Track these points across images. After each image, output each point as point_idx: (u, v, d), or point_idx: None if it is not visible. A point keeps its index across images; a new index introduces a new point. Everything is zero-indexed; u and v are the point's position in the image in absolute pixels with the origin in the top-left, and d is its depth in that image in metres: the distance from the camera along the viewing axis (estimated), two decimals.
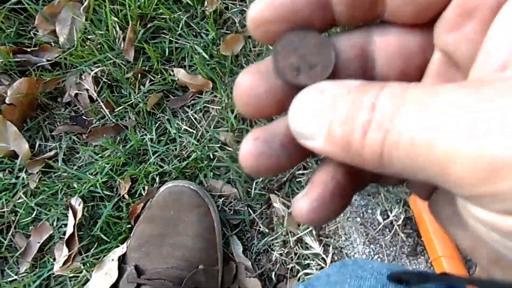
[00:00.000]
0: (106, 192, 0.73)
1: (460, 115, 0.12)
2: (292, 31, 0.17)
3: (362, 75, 0.19)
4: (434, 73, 0.18)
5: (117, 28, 0.79)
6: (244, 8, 0.85)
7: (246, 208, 0.74)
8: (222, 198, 0.74)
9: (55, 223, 0.72)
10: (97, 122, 0.77)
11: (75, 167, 0.75)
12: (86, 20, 0.80)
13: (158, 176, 0.74)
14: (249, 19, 0.17)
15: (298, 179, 0.75)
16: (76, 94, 0.79)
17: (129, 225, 0.70)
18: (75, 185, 0.73)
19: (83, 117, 0.79)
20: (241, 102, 0.18)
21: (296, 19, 0.17)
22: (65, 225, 0.70)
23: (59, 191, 0.73)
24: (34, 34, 0.81)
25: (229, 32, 0.83)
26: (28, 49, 0.78)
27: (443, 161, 0.12)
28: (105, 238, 0.70)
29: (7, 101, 0.74)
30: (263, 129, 0.18)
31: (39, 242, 0.70)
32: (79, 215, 0.70)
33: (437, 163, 0.12)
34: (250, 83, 0.17)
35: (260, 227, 0.73)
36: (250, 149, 0.17)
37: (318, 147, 0.15)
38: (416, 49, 0.18)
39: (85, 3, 0.81)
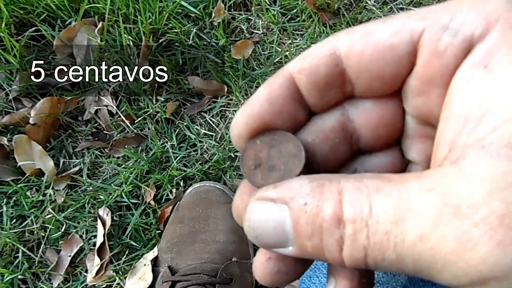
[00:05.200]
0: (132, 201, 0.73)
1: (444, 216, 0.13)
2: (274, 130, 0.18)
3: (350, 152, 0.20)
4: (412, 134, 0.19)
5: (132, 45, 0.83)
6: (250, 17, 0.89)
7: None
8: None
9: (84, 235, 0.72)
10: (118, 135, 0.79)
11: (100, 180, 0.77)
12: (101, 40, 0.84)
13: (182, 181, 0.74)
14: (234, 136, 0.19)
15: None
16: (96, 111, 0.81)
17: (159, 231, 0.71)
18: (102, 197, 0.74)
19: (104, 131, 0.81)
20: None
21: (279, 121, 0.18)
22: (95, 236, 0.71)
23: (86, 204, 0.74)
24: (53, 58, 0.85)
25: (238, 39, 0.86)
26: (48, 72, 0.82)
27: (431, 265, 0.13)
28: (135, 245, 0.70)
29: (31, 121, 0.76)
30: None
31: (70, 255, 0.70)
32: (108, 224, 0.70)
33: (425, 266, 0.13)
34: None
35: None
36: (266, 271, 0.18)
37: (292, 254, 0.15)
38: (393, 115, 0.19)
39: (99, 25, 0.85)
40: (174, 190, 0.72)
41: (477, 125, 0.14)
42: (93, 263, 0.68)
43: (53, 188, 0.75)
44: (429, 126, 0.18)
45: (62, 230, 0.72)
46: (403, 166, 0.21)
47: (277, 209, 0.15)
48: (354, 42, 0.17)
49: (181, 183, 0.74)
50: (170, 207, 0.71)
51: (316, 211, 0.14)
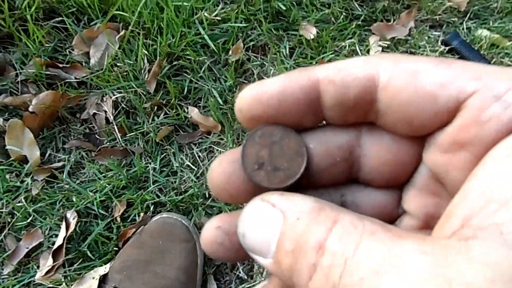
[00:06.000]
0: (101, 211, 0.76)
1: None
2: (273, 125, 0.17)
3: (346, 176, 0.19)
4: (419, 185, 0.18)
5: (145, 60, 0.86)
6: (265, 62, 0.91)
7: None
8: None
9: (47, 232, 0.74)
10: (108, 143, 0.82)
11: (78, 181, 0.79)
12: (119, 48, 0.87)
13: (153, 205, 0.77)
14: (237, 109, 0.17)
15: None
16: (94, 114, 0.84)
17: (116, 248, 0.73)
18: (74, 199, 0.76)
19: (96, 136, 0.83)
20: (214, 189, 0.18)
21: (284, 118, 0.17)
22: (56, 235, 0.73)
23: (57, 202, 0.76)
24: (70, 52, 0.88)
25: (246, 82, 0.88)
26: (60, 65, 0.84)
27: None
28: (91, 255, 0.72)
29: (30, 109, 0.79)
30: (227, 217, 0.18)
31: (27, 248, 0.72)
32: (71, 228, 0.72)
33: None
34: (224, 171, 0.18)
35: (240, 272, 0.75)
36: (210, 237, 0.17)
37: (267, 266, 0.15)
38: (406, 159, 0.18)
39: (121, 33, 0.88)
40: (142, 214, 0.75)
41: (500, 209, 0.12)
42: (46, 262, 0.70)
43: (32, 177, 0.78)
44: (440, 185, 0.17)
45: (28, 220, 0.74)
46: (395, 213, 0.20)
47: (273, 214, 0.15)
48: (398, 77, 0.16)
49: (152, 207, 0.77)
50: (134, 229, 0.73)
51: (303, 229, 0.14)
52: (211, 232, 0.17)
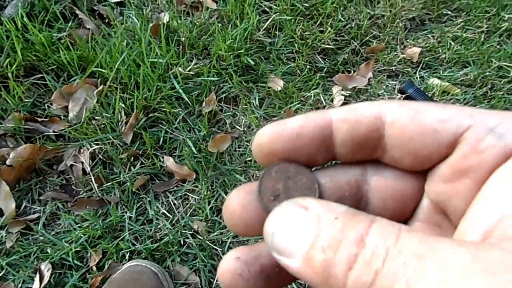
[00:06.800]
0: (76, 262, 0.76)
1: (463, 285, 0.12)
2: (288, 162, 0.18)
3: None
4: (422, 218, 0.19)
5: (122, 113, 0.90)
6: (236, 112, 0.97)
7: None
8: (185, 286, 0.77)
9: (20, 285, 0.74)
10: (84, 194, 0.84)
11: (53, 232, 0.80)
12: (97, 102, 0.91)
13: (128, 254, 0.78)
14: (256, 144, 0.18)
15: None
16: (71, 165, 0.87)
17: None
18: (49, 251, 0.77)
19: (73, 186, 0.85)
20: (230, 220, 0.18)
21: (299, 154, 0.18)
22: None
23: (32, 254, 0.76)
24: (48, 106, 0.92)
25: (219, 131, 0.94)
26: (39, 119, 0.88)
27: None
28: None
29: (7, 162, 0.81)
30: (247, 249, 0.18)
31: None
32: (45, 280, 0.73)
33: None
34: (241, 202, 0.18)
35: None
36: (230, 268, 0.17)
37: (295, 267, 0.15)
38: (409, 193, 0.19)
39: (100, 88, 0.93)
40: (110, 261, 0.76)
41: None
42: None
43: (7, 230, 0.78)
44: (442, 216, 0.18)
45: (1, 274, 0.74)
46: None
47: (306, 216, 0.15)
48: (403, 115, 0.17)
49: (127, 256, 0.78)
50: (102, 276, 0.74)
51: (341, 227, 0.14)
52: (230, 263, 0.17)
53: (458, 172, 0.17)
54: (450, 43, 1.13)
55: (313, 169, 0.19)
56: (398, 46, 1.13)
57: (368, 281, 0.13)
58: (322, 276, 0.14)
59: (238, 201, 0.18)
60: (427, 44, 1.13)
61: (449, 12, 1.20)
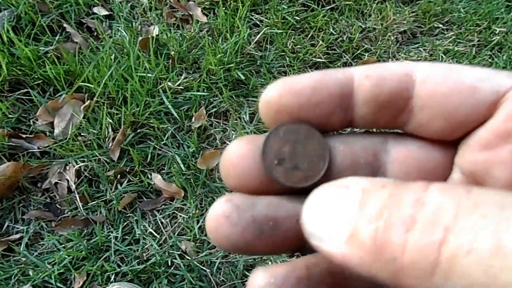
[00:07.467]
0: (59, 285, 0.74)
1: None
2: (299, 122, 0.16)
3: None
4: None
5: (110, 129, 0.88)
6: (227, 127, 0.95)
7: None
8: None
9: None
10: (69, 213, 0.81)
11: (36, 253, 0.77)
12: (83, 117, 0.89)
13: (113, 275, 0.75)
14: (264, 99, 0.16)
15: None
16: (56, 183, 0.84)
17: None
18: (31, 273, 0.74)
19: (57, 205, 0.83)
20: (226, 170, 0.16)
21: (313, 112, 0.16)
22: None
23: (13, 277, 0.74)
24: (33, 122, 0.89)
25: (209, 147, 0.92)
26: (24, 136, 0.86)
27: None
28: None
29: None
30: (243, 196, 0.16)
31: None
32: None
33: None
34: (240, 152, 0.16)
35: None
36: (217, 210, 0.15)
37: (337, 251, 0.13)
38: (436, 165, 0.17)
39: (87, 103, 0.91)
40: (95, 284, 0.73)
41: None
42: None
43: None
44: None
45: None
46: None
47: (348, 192, 0.13)
48: (436, 73, 0.15)
49: (112, 277, 0.75)
50: None
51: (391, 192, 0.12)
52: (220, 204, 0.15)
53: (500, 136, 0.15)
54: (442, 57, 1.13)
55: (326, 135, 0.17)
56: (390, 60, 1.12)
57: (437, 240, 0.11)
58: (372, 250, 0.12)
59: (238, 154, 0.16)
60: (419, 58, 1.13)
61: (441, 25, 1.20)
